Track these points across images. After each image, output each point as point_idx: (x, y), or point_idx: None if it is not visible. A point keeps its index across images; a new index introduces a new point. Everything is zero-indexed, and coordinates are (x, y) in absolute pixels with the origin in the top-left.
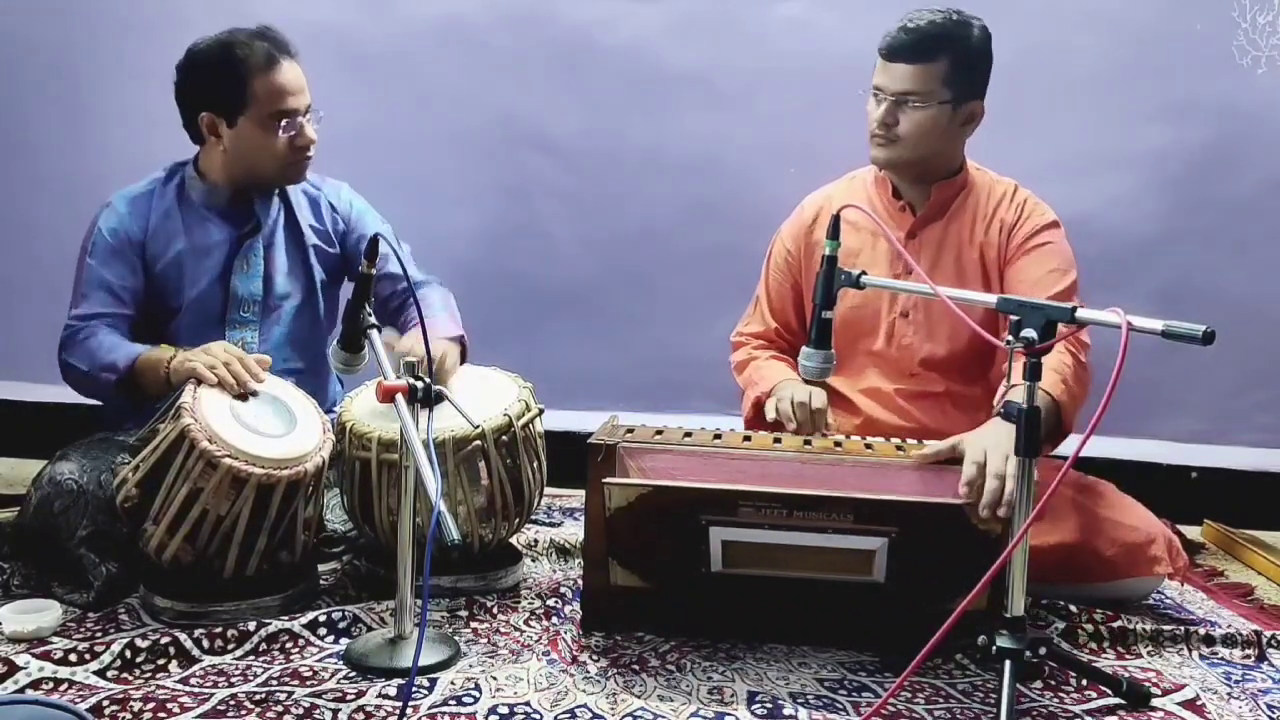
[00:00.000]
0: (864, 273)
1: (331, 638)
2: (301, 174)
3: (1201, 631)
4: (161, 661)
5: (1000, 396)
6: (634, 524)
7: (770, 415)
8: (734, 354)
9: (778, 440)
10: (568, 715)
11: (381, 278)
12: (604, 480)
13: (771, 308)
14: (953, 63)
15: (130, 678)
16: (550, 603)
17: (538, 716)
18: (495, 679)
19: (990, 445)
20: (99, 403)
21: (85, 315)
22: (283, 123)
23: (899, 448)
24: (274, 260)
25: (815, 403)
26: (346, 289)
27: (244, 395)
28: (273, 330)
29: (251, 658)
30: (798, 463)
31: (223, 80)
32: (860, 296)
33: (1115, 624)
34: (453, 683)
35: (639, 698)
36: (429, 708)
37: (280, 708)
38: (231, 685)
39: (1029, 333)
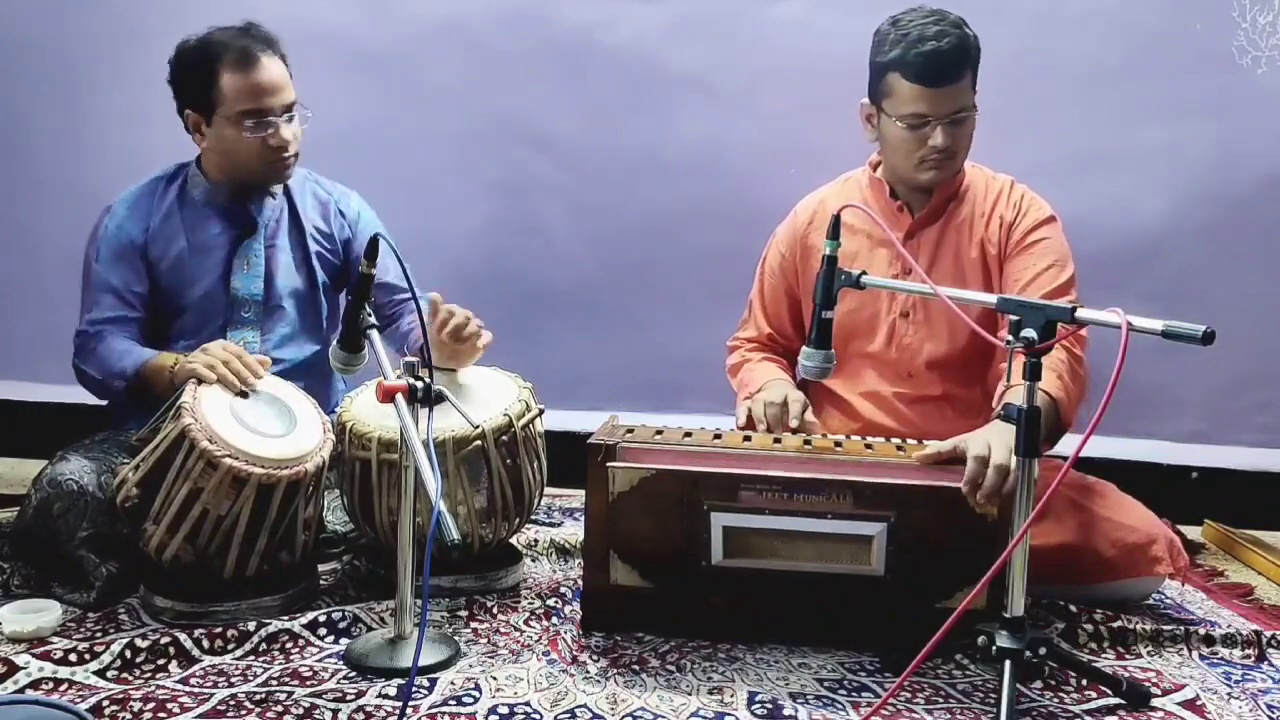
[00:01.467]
0: (864, 272)
1: (331, 638)
2: (283, 174)
3: (1201, 631)
4: (161, 661)
5: (999, 397)
6: (636, 510)
7: (742, 419)
8: (729, 358)
9: (778, 440)
10: (568, 715)
11: (377, 286)
12: (608, 463)
13: (766, 313)
14: (973, 66)
15: (130, 678)
16: (550, 603)
17: (538, 716)
18: (495, 679)
19: (994, 440)
20: (104, 403)
21: (95, 320)
22: (248, 123)
23: (899, 448)
24: (276, 260)
25: (791, 405)
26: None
27: (244, 393)
28: (275, 330)
29: (251, 658)
30: (797, 461)
31: (196, 78)
32: (858, 299)
33: (1115, 624)
34: (453, 683)
35: (639, 698)
36: (429, 708)
37: (280, 708)
38: (231, 685)
39: (1029, 332)
